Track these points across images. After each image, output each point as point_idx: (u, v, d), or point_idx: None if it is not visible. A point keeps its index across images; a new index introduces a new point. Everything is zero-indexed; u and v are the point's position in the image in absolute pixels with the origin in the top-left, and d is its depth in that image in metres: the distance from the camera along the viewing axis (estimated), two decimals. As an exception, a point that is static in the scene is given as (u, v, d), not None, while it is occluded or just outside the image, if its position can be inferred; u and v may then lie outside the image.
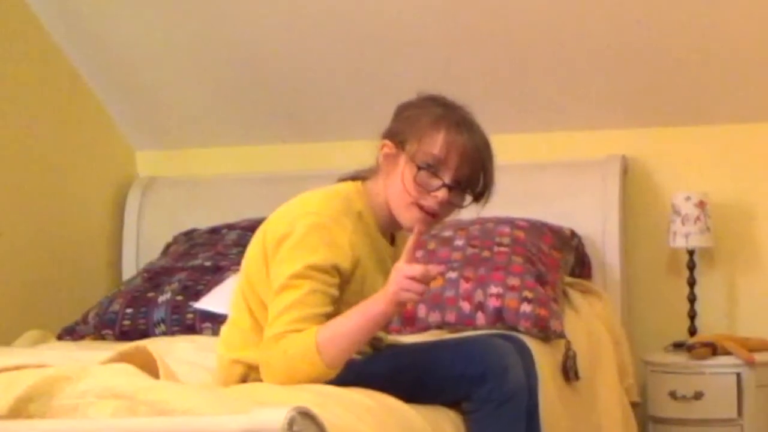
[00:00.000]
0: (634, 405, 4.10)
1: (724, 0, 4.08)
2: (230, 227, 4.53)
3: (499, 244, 3.96)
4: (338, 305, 2.63)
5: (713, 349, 4.11)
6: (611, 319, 4.17)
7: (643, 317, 4.51)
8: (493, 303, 3.71)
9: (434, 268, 2.60)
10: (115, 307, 4.15)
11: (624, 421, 3.90)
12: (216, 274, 4.18)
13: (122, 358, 2.31)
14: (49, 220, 4.56)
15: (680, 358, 4.18)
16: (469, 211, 2.80)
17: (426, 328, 3.74)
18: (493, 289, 3.74)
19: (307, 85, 4.65)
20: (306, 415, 1.88)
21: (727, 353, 4.10)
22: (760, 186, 4.42)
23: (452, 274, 3.81)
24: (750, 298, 4.42)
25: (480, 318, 3.71)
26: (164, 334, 4.01)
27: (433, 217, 2.71)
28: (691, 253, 4.35)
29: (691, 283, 4.35)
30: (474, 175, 2.71)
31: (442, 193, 2.68)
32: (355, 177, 2.80)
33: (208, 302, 4.02)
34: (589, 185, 4.43)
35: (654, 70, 4.33)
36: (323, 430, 1.93)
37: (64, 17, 4.59)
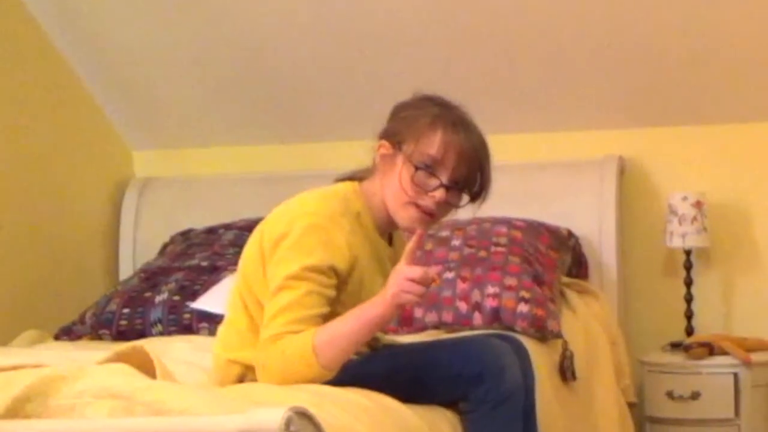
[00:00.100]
0: (631, 405, 4.10)
1: (721, 0, 4.08)
2: (227, 227, 4.53)
3: (496, 244, 3.96)
4: (336, 305, 2.63)
5: (710, 349, 4.11)
6: (608, 319, 4.17)
7: (640, 317, 4.51)
8: (490, 303, 3.71)
9: (433, 270, 2.61)
10: (112, 307, 4.15)
11: (621, 421, 3.90)
12: (213, 274, 4.18)
13: (119, 358, 2.31)
14: (46, 220, 4.56)
15: (677, 358, 4.18)
16: (466, 211, 2.80)
17: (423, 328, 3.74)
18: (490, 289, 3.74)
19: (304, 85, 4.65)
20: (303, 415, 1.88)
21: (724, 353, 4.10)
22: (757, 186, 4.42)
23: (449, 274, 3.81)
24: (747, 298, 4.42)
25: (477, 318, 3.72)
26: (161, 334, 4.01)
27: (430, 217, 2.71)
28: (688, 253, 4.35)
29: (688, 283, 4.35)
30: (471, 175, 2.71)
31: (439, 193, 2.68)
32: (352, 177, 2.81)
33: (205, 302, 4.02)
34: (586, 185, 4.43)
35: (651, 71, 4.34)
36: (320, 430, 1.93)
37: (61, 17, 4.58)
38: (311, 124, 4.77)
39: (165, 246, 4.62)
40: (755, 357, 4.08)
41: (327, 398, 2.34)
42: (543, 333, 3.60)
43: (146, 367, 2.27)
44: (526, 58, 4.37)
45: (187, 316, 4.03)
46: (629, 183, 4.52)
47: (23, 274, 4.43)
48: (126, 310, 4.12)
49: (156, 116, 4.92)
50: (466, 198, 2.75)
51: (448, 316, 3.74)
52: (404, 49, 4.43)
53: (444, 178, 2.68)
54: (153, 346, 2.57)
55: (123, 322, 4.09)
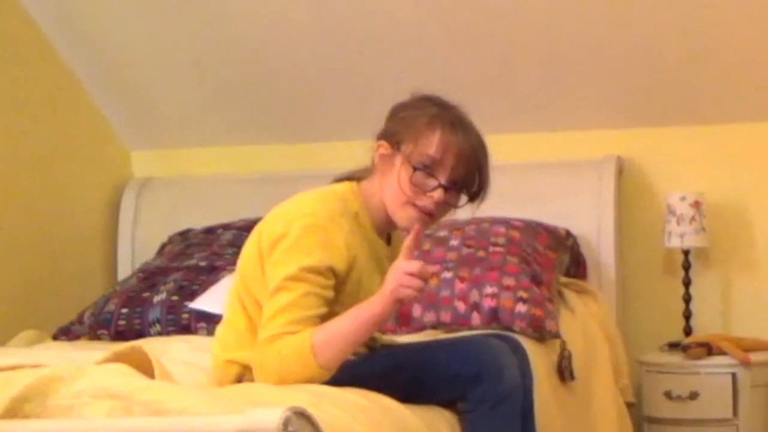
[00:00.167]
0: (629, 405, 4.10)
1: (718, 0, 4.08)
2: (225, 227, 4.53)
3: (495, 244, 3.96)
4: (334, 306, 2.63)
5: (708, 349, 4.11)
6: (606, 319, 4.17)
7: (639, 317, 4.51)
8: (488, 303, 3.71)
9: (431, 268, 2.61)
10: (111, 307, 4.15)
11: (619, 421, 3.90)
12: (211, 274, 4.18)
13: (117, 358, 2.31)
14: (44, 220, 4.56)
15: (675, 358, 4.18)
16: (464, 211, 2.80)
17: (421, 328, 3.74)
18: (489, 289, 3.74)
19: (303, 86, 4.65)
20: (301, 415, 1.88)
21: (723, 353, 4.10)
22: (756, 186, 4.42)
23: (447, 274, 3.81)
24: (745, 298, 4.42)
25: (475, 318, 3.72)
26: (159, 334, 4.01)
27: (429, 217, 2.71)
28: (686, 253, 4.35)
29: (687, 283, 4.35)
30: (469, 175, 2.72)
31: (438, 194, 2.68)
32: (350, 177, 2.81)
33: (204, 302, 4.02)
34: (585, 185, 4.43)
35: (649, 71, 4.34)
36: (318, 430, 1.93)
37: (58, 17, 4.58)
38: (310, 124, 4.76)
39: (163, 246, 4.62)
40: (754, 357, 4.08)
41: (325, 398, 2.34)
42: (541, 333, 3.60)
43: (145, 367, 2.27)
44: (524, 58, 4.37)
45: (185, 316, 4.03)
46: (628, 183, 4.52)
47: (21, 274, 4.43)
48: (124, 310, 4.11)
49: (154, 116, 4.92)
50: (464, 198, 2.75)
51: (446, 316, 3.74)
52: (403, 50, 4.43)
53: (442, 179, 2.68)
54: (151, 346, 2.56)
55: (121, 322, 4.09)
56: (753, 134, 4.42)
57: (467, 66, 4.41)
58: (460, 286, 3.77)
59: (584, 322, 3.97)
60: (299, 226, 2.62)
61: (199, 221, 4.65)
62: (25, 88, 4.52)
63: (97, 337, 4.13)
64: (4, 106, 4.40)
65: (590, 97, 4.46)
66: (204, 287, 4.09)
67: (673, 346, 4.27)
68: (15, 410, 2.06)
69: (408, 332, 3.70)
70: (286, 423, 1.82)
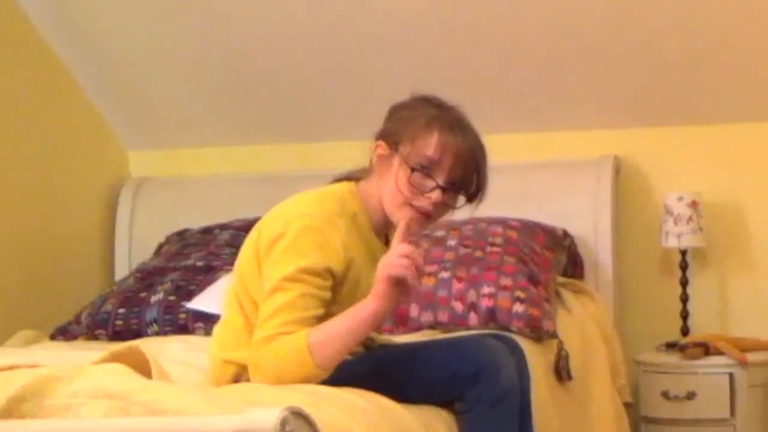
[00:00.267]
0: (626, 405, 4.10)
1: (715, 0, 4.09)
2: (223, 227, 4.52)
3: (492, 244, 3.96)
4: (332, 306, 2.63)
5: (706, 349, 4.11)
6: (603, 319, 4.17)
7: (636, 317, 4.51)
8: (485, 303, 3.71)
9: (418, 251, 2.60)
10: (108, 307, 4.14)
11: (616, 421, 3.90)
12: (208, 274, 4.18)
13: (115, 358, 2.31)
14: (41, 220, 4.56)
15: (673, 358, 4.18)
16: (462, 212, 2.80)
17: (418, 328, 3.74)
18: (486, 289, 3.74)
19: (301, 86, 4.65)
20: (298, 415, 1.88)
21: (720, 353, 4.10)
22: (753, 186, 4.42)
23: (445, 274, 3.81)
24: (742, 298, 4.43)
25: (472, 318, 3.72)
26: (157, 334, 4.01)
27: (427, 217, 2.71)
28: (683, 253, 4.35)
29: (684, 283, 4.35)
30: (467, 176, 2.72)
31: (435, 195, 2.68)
32: (349, 177, 2.81)
33: (201, 302, 4.01)
34: (582, 185, 4.43)
35: (646, 71, 4.34)
36: (316, 430, 1.93)
37: (55, 17, 4.58)
38: (307, 124, 4.76)
39: (160, 246, 4.62)
40: (751, 357, 4.08)
41: (323, 398, 2.34)
42: (538, 333, 3.60)
43: (142, 367, 2.27)
44: (522, 58, 4.38)
45: (182, 316, 4.02)
46: (625, 183, 4.52)
47: (18, 274, 4.43)
48: (122, 310, 4.11)
49: (152, 116, 4.92)
50: (462, 199, 2.75)
51: (443, 316, 3.74)
52: (402, 50, 4.43)
53: (440, 180, 2.68)
54: (149, 346, 2.56)
55: (119, 322, 4.09)
56: (750, 134, 4.42)
57: (466, 66, 4.41)
58: (457, 286, 3.77)
59: (581, 322, 3.97)
60: (297, 227, 2.62)
61: (196, 221, 4.64)
62: (22, 88, 4.52)
63: (95, 337, 4.13)
64: (1, 106, 4.40)
65: (587, 97, 4.46)
66: (201, 287, 4.09)
67: (671, 346, 4.27)
68: (12, 410, 2.06)
69: (405, 332, 3.70)
70: (283, 423, 1.82)
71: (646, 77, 4.36)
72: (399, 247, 2.55)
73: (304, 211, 2.66)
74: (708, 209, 4.35)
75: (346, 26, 4.39)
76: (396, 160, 2.70)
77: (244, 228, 4.21)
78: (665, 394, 4.10)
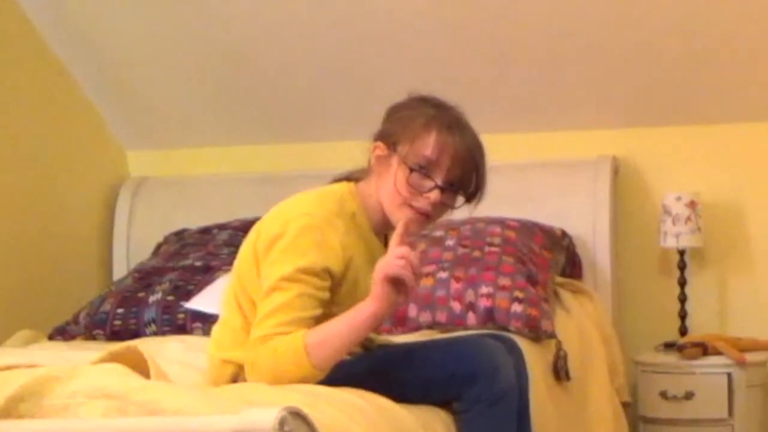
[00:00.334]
0: (624, 405, 4.10)
1: (714, 0, 4.09)
2: (221, 227, 4.52)
3: (490, 244, 3.96)
4: (331, 306, 2.63)
5: (704, 349, 4.11)
6: (602, 319, 4.18)
7: (634, 317, 4.51)
8: (483, 303, 3.71)
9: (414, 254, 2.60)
10: (106, 307, 4.14)
11: (615, 421, 3.90)
12: (207, 274, 4.18)
13: (113, 358, 2.31)
14: (40, 220, 4.56)
15: (671, 358, 4.18)
16: (460, 212, 2.80)
17: (417, 328, 3.74)
18: (484, 289, 3.74)
19: (299, 86, 4.65)
20: (297, 415, 1.88)
21: (718, 353, 4.10)
22: (751, 186, 4.43)
23: (443, 274, 3.81)
24: (741, 298, 4.43)
25: (471, 318, 3.72)
26: (155, 334, 4.01)
27: (425, 217, 2.71)
28: (681, 253, 4.35)
29: (682, 283, 4.35)
30: (466, 176, 2.72)
31: (434, 195, 2.68)
32: (348, 178, 2.81)
33: (199, 302, 4.01)
34: (580, 185, 4.43)
35: (645, 71, 4.34)
36: (314, 430, 1.93)
37: (54, 17, 4.58)
38: (305, 124, 4.76)
39: (159, 246, 4.62)
40: (749, 357, 4.09)
41: (321, 398, 2.34)
42: (537, 333, 3.60)
43: (140, 367, 2.27)
44: (520, 58, 4.38)
45: (181, 316, 4.02)
46: (623, 183, 4.52)
47: (17, 274, 4.43)
48: (120, 310, 4.11)
49: (150, 116, 4.92)
50: (461, 199, 2.75)
51: (441, 316, 3.74)
52: (402, 50, 4.43)
53: (439, 180, 2.68)
54: (147, 346, 2.56)
55: (117, 322, 4.09)
56: (749, 134, 4.42)
57: (465, 66, 4.41)
58: (455, 286, 3.77)
59: (580, 322, 3.97)
60: (296, 227, 2.62)
61: (195, 221, 4.64)
62: (20, 87, 4.52)
63: (93, 337, 4.12)
64: (0, 106, 4.40)
65: (586, 97, 4.47)
66: (199, 287, 4.09)
67: (669, 346, 4.27)
68: (10, 410, 2.06)
69: (404, 332, 3.70)
70: (281, 423, 1.82)
71: (644, 77, 4.36)
72: (396, 249, 2.55)
73: (303, 211, 2.66)
74: (706, 209, 4.36)
75: (346, 26, 4.39)
76: (395, 161, 2.70)
77: (242, 228, 4.22)
78: (663, 394, 4.10)
